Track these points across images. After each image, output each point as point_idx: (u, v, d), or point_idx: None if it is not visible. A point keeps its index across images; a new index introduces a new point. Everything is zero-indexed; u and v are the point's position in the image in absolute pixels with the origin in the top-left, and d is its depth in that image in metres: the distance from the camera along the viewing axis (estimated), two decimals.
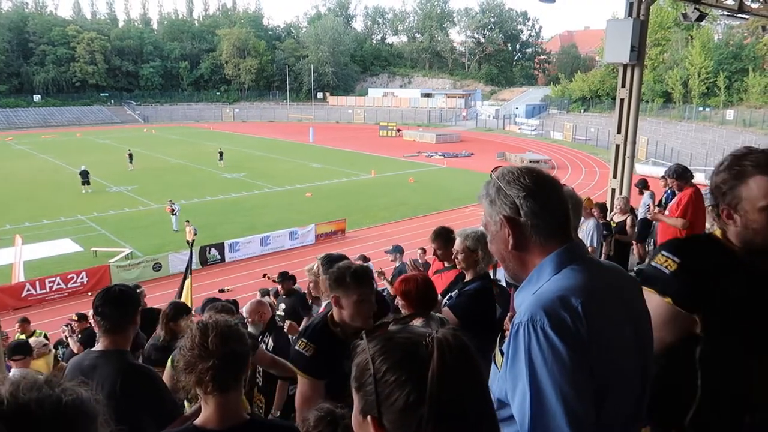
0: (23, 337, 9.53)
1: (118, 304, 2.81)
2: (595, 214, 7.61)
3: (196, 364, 1.87)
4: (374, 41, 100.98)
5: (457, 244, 3.89)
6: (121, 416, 2.64)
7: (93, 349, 2.87)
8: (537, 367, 1.40)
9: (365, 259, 11.59)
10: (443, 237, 4.64)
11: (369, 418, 1.07)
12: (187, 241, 20.36)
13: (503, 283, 4.61)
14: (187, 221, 21.08)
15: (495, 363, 1.62)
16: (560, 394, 1.37)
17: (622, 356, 1.51)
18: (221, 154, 39.54)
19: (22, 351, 4.94)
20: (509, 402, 1.49)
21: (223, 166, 38.03)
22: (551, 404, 1.38)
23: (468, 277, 3.88)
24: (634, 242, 9.40)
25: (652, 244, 10.26)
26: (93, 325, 8.92)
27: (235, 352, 1.90)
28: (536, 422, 1.39)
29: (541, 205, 1.55)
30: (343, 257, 4.10)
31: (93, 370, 2.72)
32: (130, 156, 37.17)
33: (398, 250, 10.36)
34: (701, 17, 9.93)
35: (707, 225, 6.52)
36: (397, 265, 10.39)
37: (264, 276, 15.26)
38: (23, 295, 16.01)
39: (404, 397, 1.02)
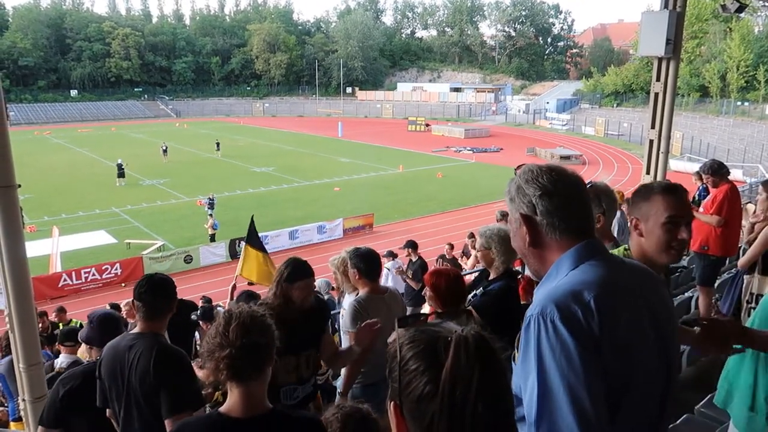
0: (60, 326, 9.82)
1: (159, 292, 2.94)
2: (623, 208, 7.47)
3: (214, 352, 1.90)
4: (403, 35, 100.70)
5: (476, 243, 3.90)
6: (151, 393, 2.71)
7: (132, 331, 2.98)
8: (545, 360, 1.39)
9: (393, 254, 11.63)
10: None
11: (392, 404, 1.10)
12: (210, 236, 20.69)
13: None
14: (210, 215, 21.37)
15: (513, 360, 1.63)
16: (567, 387, 1.36)
17: (641, 355, 1.49)
18: (218, 144, 41.54)
19: (74, 337, 5.07)
20: (522, 397, 1.49)
21: (220, 157, 39.72)
22: (557, 397, 1.36)
23: (492, 275, 3.85)
24: None
25: None
26: (125, 314, 9.12)
27: (255, 342, 1.91)
28: (542, 415, 1.38)
29: (556, 205, 1.56)
30: (370, 251, 4.09)
31: (129, 349, 2.82)
32: (165, 150, 38.39)
33: (410, 245, 10.57)
34: (741, 8, 9.63)
35: (743, 222, 6.36)
36: (413, 259, 10.45)
37: None
38: (60, 285, 16.49)
39: (421, 387, 1.04)
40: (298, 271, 3.48)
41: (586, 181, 2.80)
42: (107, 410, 2.94)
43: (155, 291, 2.93)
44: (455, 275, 3.47)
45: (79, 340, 3.82)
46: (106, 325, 3.41)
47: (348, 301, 4.55)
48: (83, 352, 5.42)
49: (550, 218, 1.56)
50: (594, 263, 1.53)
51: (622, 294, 1.50)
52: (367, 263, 3.97)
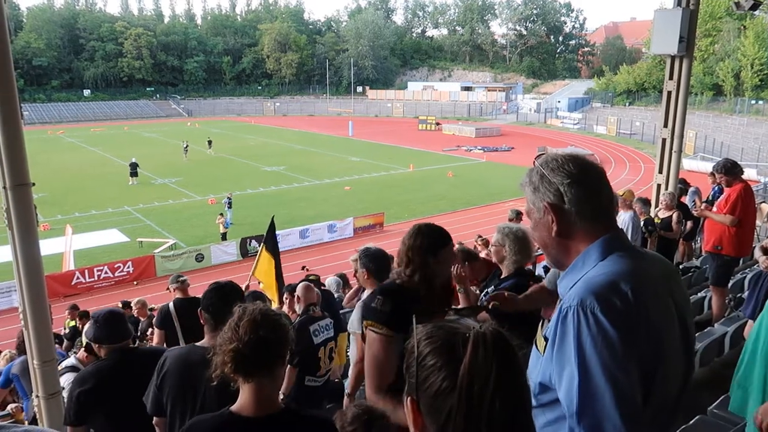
0: (72, 323, 9.92)
1: (226, 300, 2.84)
2: (636, 208, 7.43)
3: (222, 346, 1.93)
4: (414, 34, 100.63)
5: (492, 238, 3.90)
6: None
7: (199, 344, 2.92)
8: (586, 351, 1.41)
9: None
10: None
11: (409, 399, 1.11)
12: (221, 234, 20.76)
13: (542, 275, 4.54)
14: (221, 214, 21.47)
15: (537, 348, 1.64)
16: (609, 377, 1.38)
17: (668, 344, 1.51)
18: (210, 142, 42.21)
19: None
20: (553, 386, 1.51)
21: (212, 154, 40.23)
22: (600, 387, 1.39)
23: (504, 273, 3.84)
24: (681, 239, 9.11)
25: (699, 241, 9.94)
26: (136, 312, 9.18)
27: (263, 339, 1.91)
28: (584, 405, 1.40)
29: (585, 192, 1.56)
30: (381, 251, 4.06)
31: (203, 365, 2.70)
32: (186, 148, 39.21)
33: None
34: (755, 6, 9.51)
35: (758, 222, 6.29)
36: None
37: (303, 268, 15.48)
38: (73, 283, 16.65)
39: (438, 383, 1.05)
40: (439, 235, 2.65)
41: None
42: (155, 418, 2.90)
43: (223, 300, 2.85)
44: None
45: (87, 339, 3.85)
46: (112, 322, 3.43)
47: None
48: (156, 338, 5.42)
49: (580, 206, 1.56)
50: (622, 254, 1.55)
51: (653, 284, 1.52)
52: (377, 263, 3.90)
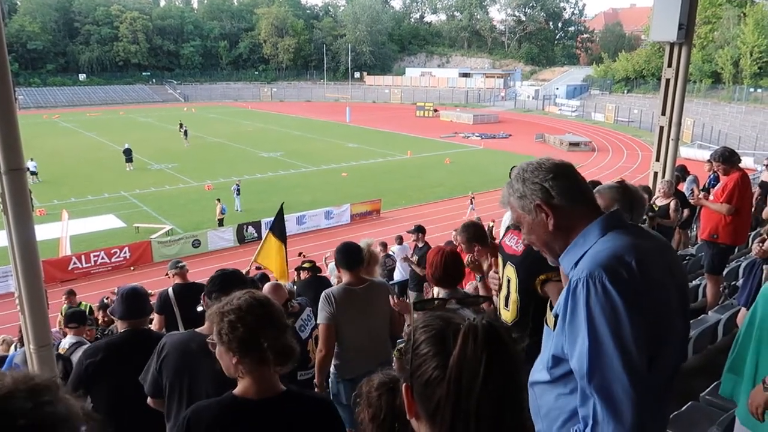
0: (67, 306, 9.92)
1: (228, 288, 2.75)
2: None
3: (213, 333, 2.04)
4: (412, 20, 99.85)
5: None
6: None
7: (199, 330, 2.88)
8: (596, 318, 1.51)
9: (401, 240, 11.67)
10: None
11: (404, 386, 1.13)
12: (218, 220, 20.71)
13: None
14: (218, 199, 21.41)
15: (548, 325, 1.77)
16: (618, 341, 1.49)
17: (670, 313, 1.61)
18: (185, 131, 39.27)
19: (77, 319, 5.32)
20: (565, 357, 1.61)
21: (187, 145, 38.29)
22: (609, 352, 1.49)
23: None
24: (677, 227, 9.13)
25: (695, 229, 9.97)
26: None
27: (248, 328, 1.96)
28: (594, 369, 1.50)
29: (568, 183, 1.69)
30: (348, 243, 4.27)
31: (203, 352, 2.55)
32: (186, 132, 38.83)
33: (418, 230, 10.62)
34: None
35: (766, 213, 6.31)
36: (420, 245, 10.50)
37: (300, 254, 15.48)
38: (70, 268, 16.64)
39: (429, 372, 1.06)
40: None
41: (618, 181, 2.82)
42: (154, 399, 2.93)
43: (225, 287, 2.83)
44: (451, 252, 3.42)
45: (108, 313, 4.09)
46: (130, 299, 3.55)
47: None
48: (156, 323, 5.50)
49: (568, 195, 1.67)
50: (622, 231, 1.66)
51: (653, 258, 1.62)
52: (341, 254, 4.09)
